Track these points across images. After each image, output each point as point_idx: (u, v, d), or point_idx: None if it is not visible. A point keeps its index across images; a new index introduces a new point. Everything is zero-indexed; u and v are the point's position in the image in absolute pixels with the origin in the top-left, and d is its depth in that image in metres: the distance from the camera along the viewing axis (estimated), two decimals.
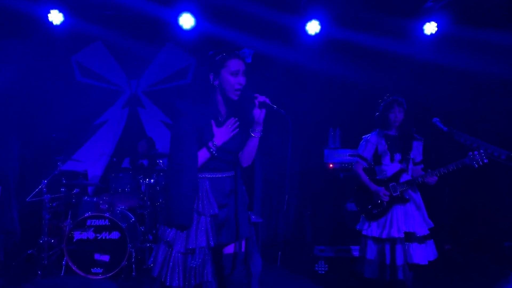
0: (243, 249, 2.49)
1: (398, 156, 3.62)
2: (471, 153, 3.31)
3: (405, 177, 3.61)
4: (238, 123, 2.49)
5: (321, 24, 5.66)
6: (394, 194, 3.55)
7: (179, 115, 2.42)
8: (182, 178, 2.34)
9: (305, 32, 5.74)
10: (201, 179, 2.45)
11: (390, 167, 3.64)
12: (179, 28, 5.61)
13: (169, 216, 2.35)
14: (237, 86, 2.43)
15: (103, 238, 4.48)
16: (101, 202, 4.82)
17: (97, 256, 4.45)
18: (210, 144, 2.41)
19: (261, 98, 2.43)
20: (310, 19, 5.66)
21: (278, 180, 6.24)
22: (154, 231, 5.09)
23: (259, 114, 2.45)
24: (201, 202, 2.40)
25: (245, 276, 2.47)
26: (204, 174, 2.45)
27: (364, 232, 3.63)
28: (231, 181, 2.52)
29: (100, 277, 4.40)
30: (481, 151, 3.26)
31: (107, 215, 4.52)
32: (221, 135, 2.43)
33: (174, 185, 2.35)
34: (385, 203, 3.56)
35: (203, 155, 2.41)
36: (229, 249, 2.49)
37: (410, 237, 3.48)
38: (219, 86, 2.46)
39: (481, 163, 3.29)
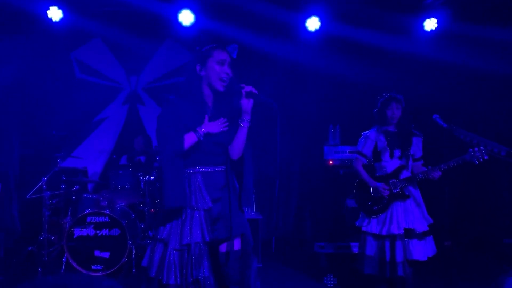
0: (239, 247, 2.47)
1: (397, 153, 3.62)
2: (472, 149, 3.31)
3: (405, 174, 3.60)
4: (227, 118, 2.49)
5: (321, 20, 5.65)
6: (394, 191, 3.55)
7: (165, 104, 2.45)
8: (170, 161, 2.34)
9: (305, 28, 5.73)
10: (193, 173, 2.44)
11: (389, 163, 3.63)
12: (179, 24, 5.60)
13: (163, 200, 2.35)
14: (223, 75, 2.45)
15: (103, 235, 4.48)
16: (101, 199, 4.82)
17: (97, 253, 4.45)
18: (198, 129, 2.41)
19: (248, 88, 2.44)
20: (310, 15, 5.65)
21: (279, 177, 6.25)
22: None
23: (246, 103, 2.45)
24: (194, 196, 2.40)
25: (242, 273, 2.46)
26: (195, 168, 2.45)
27: (363, 229, 3.63)
28: (223, 176, 2.51)
29: (100, 274, 4.40)
30: (481, 147, 3.26)
31: (107, 212, 4.52)
32: (211, 127, 2.44)
33: (164, 169, 2.35)
34: (385, 199, 3.56)
35: (190, 138, 2.39)
36: (226, 247, 2.46)
37: (409, 233, 3.47)
38: (206, 77, 2.48)
39: (481, 159, 3.29)
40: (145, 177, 4.97)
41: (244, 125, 2.49)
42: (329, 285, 4.25)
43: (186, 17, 5.54)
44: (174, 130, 2.37)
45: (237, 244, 2.47)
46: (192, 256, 2.33)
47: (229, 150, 2.55)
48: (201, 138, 2.40)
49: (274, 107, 2.38)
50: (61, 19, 5.52)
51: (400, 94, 3.67)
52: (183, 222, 2.38)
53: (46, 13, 5.44)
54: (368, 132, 3.76)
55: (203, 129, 2.41)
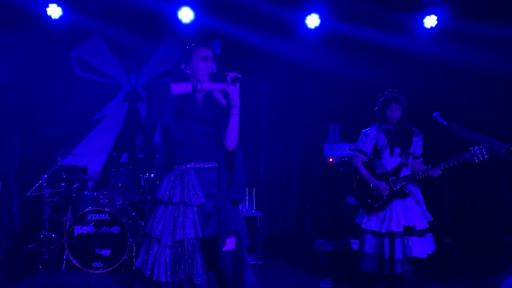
0: (233, 246, 2.46)
1: (397, 151, 3.62)
2: (472, 148, 3.31)
3: (405, 172, 3.61)
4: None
5: (321, 17, 5.64)
6: (394, 189, 3.55)
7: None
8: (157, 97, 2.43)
9: (305, 25, 5.72)
10: (185, 170, 2.44)
11: (389, 161, 3.64)
12: (179, 22, 5.59)
13: (145, 119, 2.41)
14: (208, 70, 2.49)
15: (104, 232, 4.49)
16: (101, 196, 4.83)
17: (97, 251, 4.46)
18: (194, 81, 2.43)
19: (232, 74, 2.44)
20: (309, 12, 5.64)
21: (279, 176, 6.27)
22: None
23: (233, 90, 2.45)
24: (187, 192, 2.38)
25: (236, 273, 2.45)
26: (188, 164, 2.45)
27: (363, 226, 3.64)
28: (216, 172, 2.49)
29: (101, 271, 4.42)
30: (481, 146, 3.26)
31: (107, 209, 4.53)
32: (211, 84, 2.44)
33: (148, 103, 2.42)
34: (385, 197, 3.57)
35: (184, 86, 2.41)
36: (220, 245, 2.42)
37: (409, 231, 3.49)
38: (192, 74, 2.51)
39: (481, 158, 3.29)
40: (145, 175, 4.97)
41: (234, 112, 2.47)
42: None
43: (186, 15, 5.53)
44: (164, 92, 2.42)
45: (231, 243, 2.45)
46: (185, 253, 2.31)
47: (224, 143, 2.53)
48: (197, 88, 2.39)
49: (259, 86, 2.42)
50: (61, 17, 5.50)
51: (400, 92, 3.66)
52: (175, 218, 2.37)
53: (45, 11, 5.43)
54: (368, 130, 3.76)
55: (203, 85, 2.41)
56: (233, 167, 2.52)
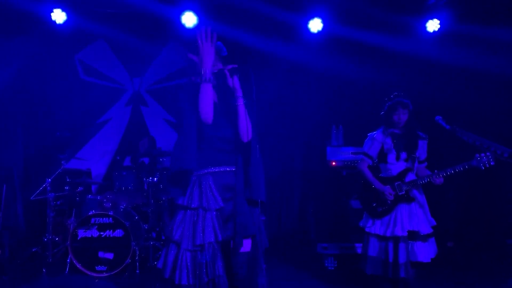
0: (249, 249, 2.48)
1: (403, 155, 3.61)
2: (478, 155, 3.31)
3: (410, 176, 3.60)
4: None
5: (324, 22, 5.67)
6: (400, 193, 3.55)
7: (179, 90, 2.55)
8: (185, 128, 2.43)
9: (307, 30, 5.74)
10: (204, 175, 2.47)
11: (395, 165, 3.63)
12: (182, 26, 5.62)
13: (171, 163, 2.45)
14: (213, 70, 2.54)
15: (107, 236, 4.50)
16: (104, 200, 4.85)
17: (101, 254, 4.47)
18: (194, 78, 2.49)
19: (229, 66, 2.52)
20: (312, 17, 5.67)
21: (282, 177, 6.27)
22: (157, 229, 5.11)
23: (232, 82, 2.51)
24: (205, 197, 2.42)
25: (249, 276, 2.47)
26: (207, 169, 2.47)
27: (367, 230, 3.63)
28: (234, 176, 2.52)
29: (104, 275, 4.43)
30: (488, 153, 3.26)
31: (110, 213, 4.54)
32: (203, 56, 2.51)
33: (179, 135, 2.47)
34: (390, 201, 3.56)
35: (203, 91, 2.42)
36: (236, 247, 2.46)
37: (414, 235, 3.48)
38: (200, 62, 2.57)
39: (487, 165, 3.29)
40: (149, 179, 4.99)
41: (239, 102, 2.50)
42: (329, 268, 4.26)
43: (189, 19, 5.56)
44: (190, 112, 2.44)
45: (247, 245, 2.48)
46: (206, 256, 2.36)
47: (240, 136, 2.54)
48: (208, 77, 2.44)
49: (248, 68, 2.50)
50: (65, 21, 5.54)
51: (406, 96, 3.65)
52: (195, 223, 2.40)
53: (50, 16, 5.47)
54: (374, 134, 3.74)
55: (205, 74, 2.45)
56: (249, 163, 2.52)
